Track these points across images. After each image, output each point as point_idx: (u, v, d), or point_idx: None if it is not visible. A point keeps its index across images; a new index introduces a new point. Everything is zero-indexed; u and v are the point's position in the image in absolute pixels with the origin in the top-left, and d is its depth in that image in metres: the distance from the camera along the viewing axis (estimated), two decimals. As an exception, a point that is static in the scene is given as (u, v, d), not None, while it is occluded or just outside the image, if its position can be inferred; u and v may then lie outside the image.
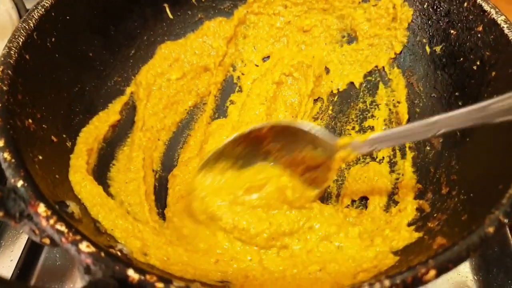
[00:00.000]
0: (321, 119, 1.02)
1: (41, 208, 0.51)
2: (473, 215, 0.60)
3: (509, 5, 1.46)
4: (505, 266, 0.85)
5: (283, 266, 0.69)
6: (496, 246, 0.88)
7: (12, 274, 0.85)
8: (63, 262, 0.88)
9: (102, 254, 0.49)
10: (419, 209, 0.76)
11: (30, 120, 0.67)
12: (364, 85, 1.02)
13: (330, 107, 1.02)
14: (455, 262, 0.49)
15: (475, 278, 0.85)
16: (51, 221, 0.51)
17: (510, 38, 0.72)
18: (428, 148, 0.85)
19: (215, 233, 0.75)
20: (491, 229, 0.51)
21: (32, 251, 0.88)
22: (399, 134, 0.69)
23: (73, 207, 0.60)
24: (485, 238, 0.50)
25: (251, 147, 0.80)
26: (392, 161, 0.90)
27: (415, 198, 0.79)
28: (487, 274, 0.85)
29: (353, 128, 0.98)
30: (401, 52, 0.98)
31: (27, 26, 0.72)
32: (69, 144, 0.77)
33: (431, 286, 0.82)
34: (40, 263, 0.88)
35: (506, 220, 0.52)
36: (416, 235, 0.68)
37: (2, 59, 0.65)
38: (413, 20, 0.94)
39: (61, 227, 0.50)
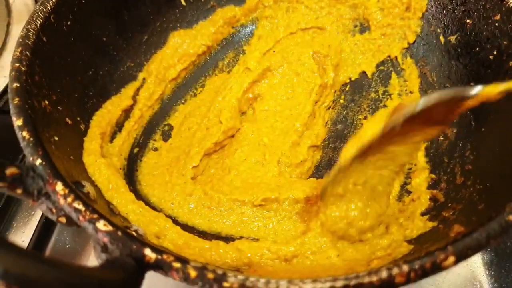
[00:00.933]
0: (332, 108, 1.01)
1: (59, 187, 0.51)
2: (491, 204, 0.59)
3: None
4: (519, 261, 0.84)
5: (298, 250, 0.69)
6: (508, 240, 0.87)
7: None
8: (73, 245, 0.88)
9: (119, 233, 0.49)
10: (433, 199, 0.76)
11: (46, 102, 0.67)
12: (376, 74, 1.01)
13: (342, 96, 1.01)
14: (475, 249, 0.49)
15: (487, 273, 0.84)
16: (69, 199, 0.51)
17: (529, 27, 0.71)
18: (441, 138, 0.85)
19: None
20: (511, 217, 0.50)
21: (43, 233, 0.88)
22: None
23: (88, 187, 0.60)
24: (506, 226, 0.50)
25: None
26: (404, 151, 0.89)
27: (428, 188, 0.78)
28: (499, 270, 0.84)
29: (365, 117, 0.98)
30: (414, 42, 0.97)
31: (44, 9, 0.72)
32: (82, 127, 0.77)
33: (442, 281, 0.82)
34: (50, 245, 0.88)
35: (526, 207, 0.51)
36: (430, 224, 0.68)
37: (21, 40, 0.65)
38: (428, 10, 0.93)
39: (79, 205, 0.50)
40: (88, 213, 0.50)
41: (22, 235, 0.89)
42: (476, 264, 0.85)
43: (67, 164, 0.63)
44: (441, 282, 0.82)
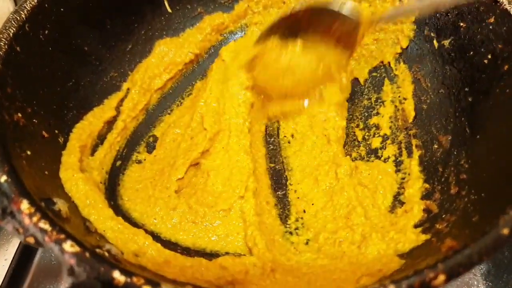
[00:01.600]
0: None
1: (24, 205, 0.48)
2: (485, 216, 0.56)
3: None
4: (517, 272, 0.80)
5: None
6: (506, 250, 0.84)
7: (6, 273, 0.82)
8: (58, 261, 0.84)
9: (87, 254, 0.46)
10: (427, 210, 0.73)
11: (19, 114, 0.64)
12: (369, 81, 0.98)
13: (334, 104, 0.99)
14: (466, 267, 0.46)
15: (484, 283, 0.81)
16: (34, 219, 0.48)
17: (524, 29, 0.68)
18: (436, 146, 0.82)
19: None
20: (506, 231, 0.47)
21: (27, 250, 0.85)
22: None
23: (60, 204, 0.57)
24: (500, 240, 0.47)
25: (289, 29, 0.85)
26: (398, 160, 0.86)
27: (422, 199, 0.75)
28: (497, 280, 0.81)
29: (357, 125, 0.95)
30: (407, 47, 0.94)
31: (18, 17, 0.69)
32: (61, 140, 0.74)
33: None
34: (35, 262, 0.85)
35: (521, 221, 0.48)
36: (423, 237, 0.65)
37: (-10, 50, 0.62)
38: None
39: (45, 225, 0.48)
40: (54, 233, 0.47)
41: (5, 253, 0.86)
42: (473, 274, 0.82)
43: (39, 180, 0.60)
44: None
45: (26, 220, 0.48)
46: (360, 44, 0.87)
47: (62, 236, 0.47)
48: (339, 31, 0.82)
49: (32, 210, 0.48)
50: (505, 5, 0.72)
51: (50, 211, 0.54)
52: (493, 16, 0.74)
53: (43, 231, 0.47)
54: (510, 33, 0.70)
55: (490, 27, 0.75)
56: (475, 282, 0.81)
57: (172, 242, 0.74)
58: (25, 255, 0.85)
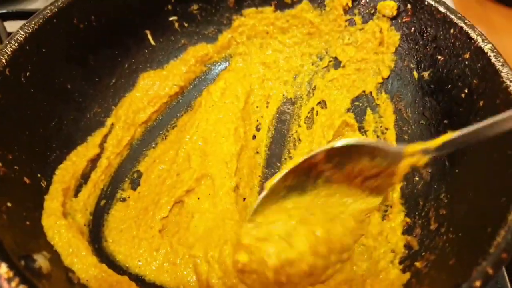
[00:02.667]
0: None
1: (3, 269, 0.48)
2: (460, 261, 0.57)
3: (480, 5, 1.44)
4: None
5: None
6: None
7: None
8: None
9: (67, 318, 0.46)
10: (407, 246, 0.73)
11: (-1, 164, 0.64)
12: (351, 110, 0.99)
13: (317, 133, 0.99)
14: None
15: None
16: (13, 284, 0.48)
17: (497, 67, 0.69)
18: (417, 178, 0.83)
19: None
20: (478, 283, 0.48)
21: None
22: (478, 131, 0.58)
23: (41, 261, 0.57)
24: (472, 293, 0.48)
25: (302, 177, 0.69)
26: (380, 191, 0.87)
27: (403, 233, 0.76)
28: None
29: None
30: (388, 77, 0.95)
31: (-2, 63, 0.69)
32: (44, 183, 0.74)
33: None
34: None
35: (493, 272, 0.49)
36: (405, 277, 0.66)
37: (-31, 100, 0.62)
38: (401, 45, 0.92)
39: (24, 289, 0.48)
40: (33, 297, 0.47)
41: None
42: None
43: (19, 233, 0.60)
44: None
45: (5, 285, 0.48)
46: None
47: (41, 299, 0.47)
48: (368, 171, 0.68)
49: (11, 274, 0.48)
50: (479, 42, 0.73)
51: (30, 270, 0.54)
52: (468, 52, 0.76)
53: (22, 295, 0.47)
54: (484, 70, 0.72)
55: (466, 62, 0.76)
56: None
57: (156, 285, 0.74)
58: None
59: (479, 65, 0.73)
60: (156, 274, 0.75)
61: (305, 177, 0.69)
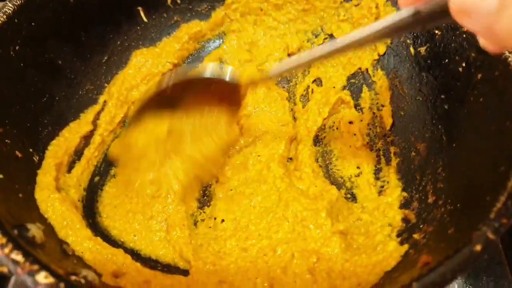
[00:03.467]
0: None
1: (-5, 236, 0.47)
2: (459, 229, 0.57)
3: None
4: (495, 274, 0.81)
5: None
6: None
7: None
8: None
9: (62, 285, 0.45)
10: (405, 220, 0.73)
11: (-10, 136, 0.63)
12: (347, 88, 0.98)
13: (312, 111, 0.99)
14: (440, 285, 0.46)
15: (464, 285, 0.82)
16: (6, 250, 0.47)
17: (495, 39, 0.69)
18: (413, 153, 0.82)
19: None
20: (478, 247, 0.48)
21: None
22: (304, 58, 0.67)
23: (34, 230, 0.56)
24: (473, 257, 0.47)
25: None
26: (376, 168, 0.87)
27: (400, 207, 0.76)
28: (476, 282, 0.82)
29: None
30: (385, 53, 0.95)
31: (-14, 35, 0.68)
32: (36, 158, 0.73)
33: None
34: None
35: (494, 237, 0.49)
36: (403, 248, 0.65)
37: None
38: (397, 20, 0.91)
39: (17, 256, 0.47)
40: (27, 264, 0.47)
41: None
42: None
43: (13, 204, 0.59)
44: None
45: (-2, 252, 0.47)
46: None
47: (36, 267, 0.46)
48: (218, 94, 0.78)
49: (4, 240, 0.47)
50: (477, 14, 0.72)
51: (23, 238, 0.53)
52: (467, 25, 0.75)
53: (15, 262, 0.47)
54: (483, 42, 0.71)
55: (464, 35, 0.75)
56: (455, 284, 0.82)
57: (152, 259, 0.73)
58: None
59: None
60: (151, 248, 0.74)
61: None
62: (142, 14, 0.97)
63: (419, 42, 0.87)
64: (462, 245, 0.49)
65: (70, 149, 0.80)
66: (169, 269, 0.72)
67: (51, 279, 0.46)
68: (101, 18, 0.90)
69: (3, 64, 0.69)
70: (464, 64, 0.75)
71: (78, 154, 0.83)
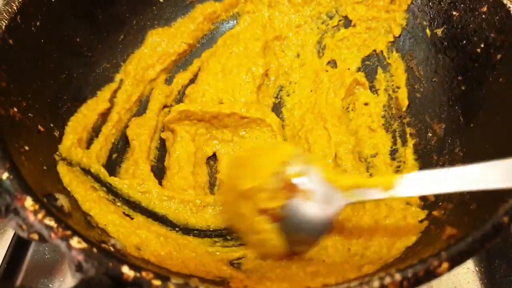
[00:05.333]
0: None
1: (28, 202, 0.48)
2: (483, 204, 0.57)
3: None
4: (507, 257, 0.82)
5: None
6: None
7: (-1, 268, 0.81)
8: (52, 255, 0.84)
9: (95, 250, 0.46)
10: (423, 198, 0.74)
11: (15, 109, 0.63)
12: (362, 70, 0.98)
13: (327, 93, 0.99)
14: (469, 254, 0.47)
15: (477, 269, 0.82)
16: (39, 216, 0.47)
17: (516, 18, 0.69)
18: (430, 134, 0.83)
19: None
20: (505, 219, 0.48)
21: (19, 245, 0.83)
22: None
23: (62, 200, 0.56)
24: (500, 228, 0.48)
25: None
26: (392, 149, 0.87)
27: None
28: (489, 265, 0.82)
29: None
30: (400, 36, 0.95)
31: (10, 9, 0.67)
32: (57, 133, 0.73)
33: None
34: (28, 257, 0.84)
35: (521, 210, 0.49)
36: (422, 225, 0.66)
37: (-16, 45, 0.61)
38: (413, 2, 0.91)
39: (50, 221, 0.47)
40: (60, 229, 0.47)
41: (-3, 248, 0.85)
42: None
43: (39, 175, 0.59)
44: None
45: (31, 217, 0.47)
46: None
47: (68, 232, 0.47)
48: None
49: (37, 207, 0.48)
50: (498, -6, 0.73)
51: (53, 207, 0.53)
52: (486, 5, 0.75)
53: (48, 227, 0.47)
54: (503, 23, 0.71)
55: (483, 16, 0.75)
56: (468, 266, 0.83)
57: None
58: (18, 250, 0.84)
59: (497, 17, 0.73)
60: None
61: None
62: (157, -7, 0.97)
63: (435, 23, 0.87)
64: (489, 217, 0.49)
65: (89, 126, 0.80)
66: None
67: (84, 244, 0.46)
68: (118, -3, 0.90)
69: (26, 39, 0.69)
70: (482, 45, 0.75)
71: (96, 131, 0.83)
